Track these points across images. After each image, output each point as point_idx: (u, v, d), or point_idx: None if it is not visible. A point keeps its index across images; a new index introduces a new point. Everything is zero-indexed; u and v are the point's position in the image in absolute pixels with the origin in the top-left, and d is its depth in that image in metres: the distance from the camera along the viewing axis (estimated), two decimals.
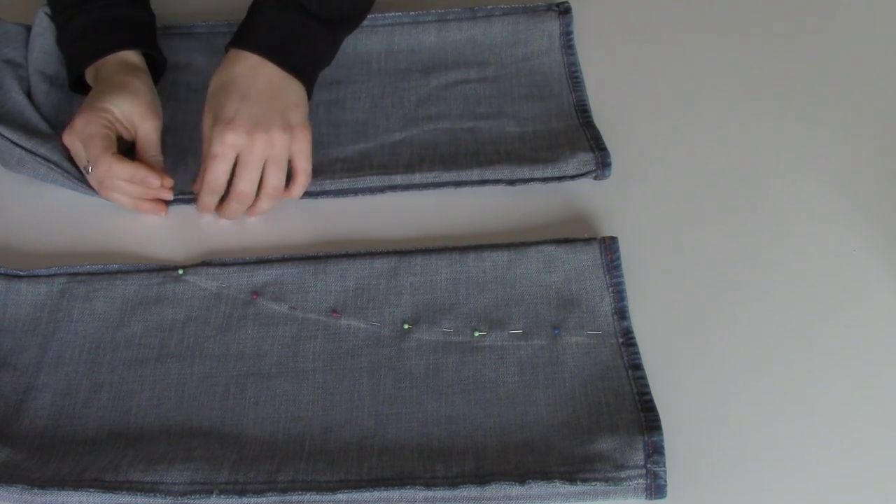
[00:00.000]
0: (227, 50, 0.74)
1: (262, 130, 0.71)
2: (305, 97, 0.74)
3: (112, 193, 0.75)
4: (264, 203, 0.75)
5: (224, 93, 0.71)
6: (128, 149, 0.77)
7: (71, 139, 0.74)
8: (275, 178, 0.73)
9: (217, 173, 0.72)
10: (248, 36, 0.72)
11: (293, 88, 0.73)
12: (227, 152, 0.71)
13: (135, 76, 0.77)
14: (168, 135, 0.82)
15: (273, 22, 0.72)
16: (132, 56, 0.79)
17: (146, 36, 0.81)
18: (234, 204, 0.74)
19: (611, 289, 0.71)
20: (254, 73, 0.71)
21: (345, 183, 0.78)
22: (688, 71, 0.88)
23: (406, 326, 0.70)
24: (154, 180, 0.74)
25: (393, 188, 0.78)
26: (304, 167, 0.74)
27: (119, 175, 0.73)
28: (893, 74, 0.87)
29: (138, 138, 0.76)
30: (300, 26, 0.72)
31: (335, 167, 0.79)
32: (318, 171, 0.77)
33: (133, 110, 0.75)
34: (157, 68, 0.82)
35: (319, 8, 0.73)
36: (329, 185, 0.78)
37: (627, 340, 0.68)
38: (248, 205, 0.75)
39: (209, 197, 0.74)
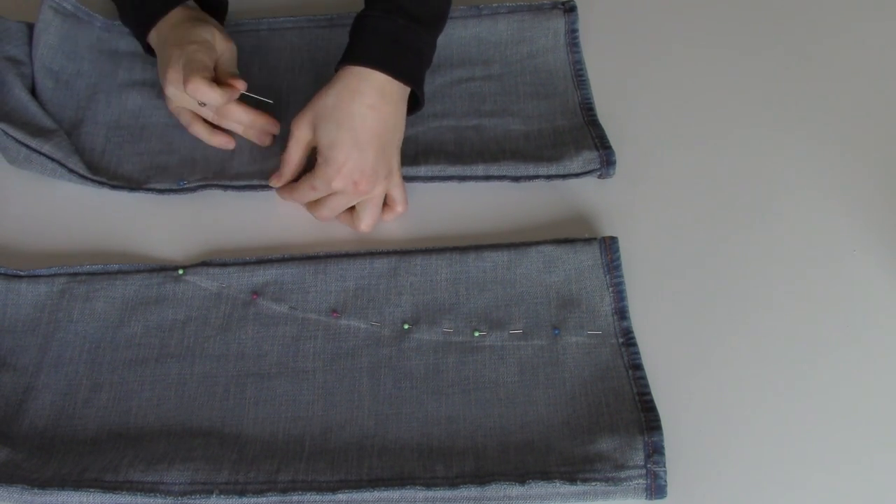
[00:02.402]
0: (337, 68, 0.73)
1: (366, 181, 0.72)
2: (403, 133, 0.75)
3: (192, 126, 0.79)
4: (358, 232, 0.76)
5: (338, 130, 0.71)
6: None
7: (171, 91, 0.77)
8: (369, 218, 0.75)
9: (307, 197, 0.74)
10: (357, 51, 0.72)
11: (399, 126, 0.74)
12: (325, 191, 0.73)
13: (204, 19, 0.79)
14: (175, 131, 0.82)
15: (380, 31, 0.72)
16: (193, 8, 0.81)
17: None
18: (319, 217, 0.76)
19: (611, 289, 0.71)
20: (370, 111, 0.71)
21: None
22: (692, 70, 0.88)
23: (406, 326, 0.70)
24: (273, 129, 0.79)
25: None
26: (400, 198, 0.76)
27: (238, 119, 0.78)
28: (893, 77, 0.87)
29: (219, 61, 0.78)
30: (406, 31, 0.73)
31: None
32: None
33: (215, 34, 0.78)
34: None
35: (422, 11, 0.74)
36: None
37: (627, 340, 0.68)
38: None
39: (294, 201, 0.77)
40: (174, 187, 0.78)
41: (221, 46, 0.78)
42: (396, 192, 0.75)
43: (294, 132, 0.74)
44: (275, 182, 0.76)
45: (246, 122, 0.78)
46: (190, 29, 0.77)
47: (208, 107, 0.78)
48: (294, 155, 0.75)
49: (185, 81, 0.73)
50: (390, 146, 0.73)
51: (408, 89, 0.74)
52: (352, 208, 0.75)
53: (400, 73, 0.72)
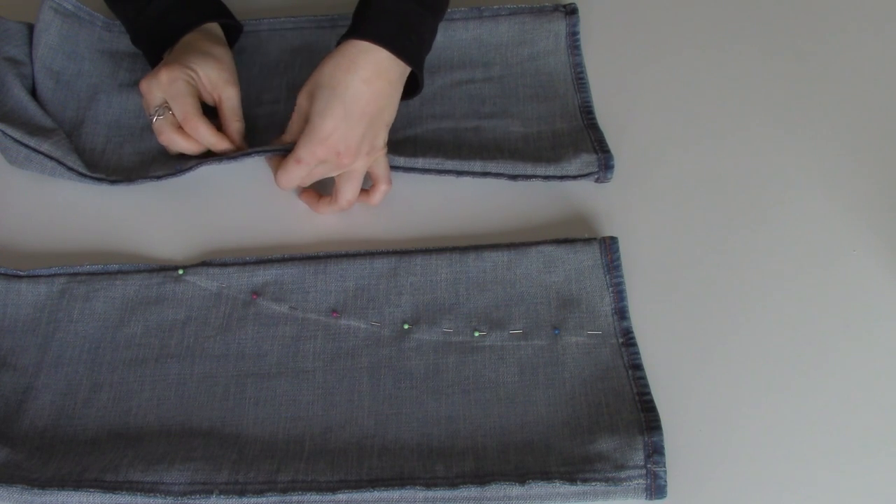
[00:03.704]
0: (339, 43, 0.73)
1: (350, 154, 0.72)
2: (395, 114, 0.75)
3: (173, 144, 0.77)
4: (339, 209, 0.76)
5: (330, 100, 0.71)
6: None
7: (149, 87, 0.75)
8: (351, 191, 0.75)
9: (293, 177, 0.74)
10: (362, 26, 0.72)
11: (391, 105, 0.74)
12: (311, 162, 0.72)
13: (217, 44, 0.79)
14: None
15: (387, 10, 0.73)
16: (212, 28, 0.81)
17: (222, 7, 0.83)
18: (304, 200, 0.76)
19: (611, 289, 0.71)
20: (364, 85, 0.71)
21: None
22: (692, 74, 0.88)
23: (406, 326, 0.70)
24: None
25: (395, 168, 0.77)
26: (383, 175, 0.76)
27: (202, 139, 0.76)
28: (892, 77, 0.87)
29: (222, 102, 0.78)
30: (412, 14, 0.73)
31: None
32: None
33: (218, 75, 0.76)
34: (229, 37, 0.85)
35: None
36: None
37: (627, 340, 0.68)
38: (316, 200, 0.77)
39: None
40: (170, 172, 0.77)
41: (224, 86, 0.77)
42: (380, 169, 0.75)
43: (298, 101, 0.74)
44: (277, 142, 0.77)
45: (209, 144, 0.76)
46: (198, 53, 0.77)
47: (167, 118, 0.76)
48: (295, 121, 0.75)
49: (185, 120, 0.74)
50: (378, 123, 0.73)
51: (406, 70, 0.74)
52: (322, 195, 0.76)
53: (402, 51, 0.72)
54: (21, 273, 0.73)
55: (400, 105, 0.83)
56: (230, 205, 0.79)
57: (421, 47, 0.75)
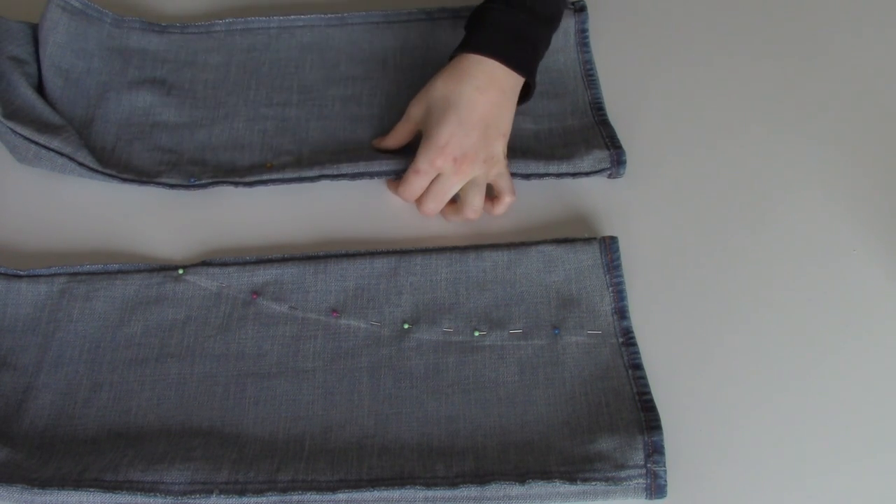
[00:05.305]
0: (453, 55, 0.74)
1: (468, 162, 0.73)
2: (511, 125, 0.75)
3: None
4: (464, 219, 0.77)
5: (445, 110, 0.73)
6: None
7: None
8: (476, 200, 0.75)
9: (415, 188, 0.74)
10: (475, 40, 0.74)
11: (505, 115, 0.74)
12: (430, 171, 0.73)
13: None
14: (186, 130, 0.82)
15: (501, 23, 0.74)
16: None
17: None
18: (425, 211, 0.76)
19: (611, 288, 0.71)
20: (478, 94, 0.72)
21: (360, 166, 0.78)
22: (699, 71, 0.88)
23: (406, 326, 0.70)
24: None
25: (405, 171, 0.78)
26: (507, 187, 0.76)
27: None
28: (893, 77, 0.87)
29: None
30: (526, 26, 0.74)
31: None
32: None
33: None
34: None
35: (543, 8, 0.76)
36: (346, 168, 0.77)
37: (627, 340, 0.68)
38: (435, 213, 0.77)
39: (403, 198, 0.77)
40: (185, 183, 0.78)
41: None
42: (503, 182, 0.76)
43: (408, 110, 0.76)
44: (375, 143, 0.78)
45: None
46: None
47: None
48: (401, 128, 0.77)
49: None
50: (494, 131, 0.74)
51: (520, 81, 0.75)
52: (454, 201, 0.76)
53: (515, 62, 0.73)
54: (21, 273, 0.73)
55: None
56: (231, 204, 0.79)
57: (534, 57, 0.76)
